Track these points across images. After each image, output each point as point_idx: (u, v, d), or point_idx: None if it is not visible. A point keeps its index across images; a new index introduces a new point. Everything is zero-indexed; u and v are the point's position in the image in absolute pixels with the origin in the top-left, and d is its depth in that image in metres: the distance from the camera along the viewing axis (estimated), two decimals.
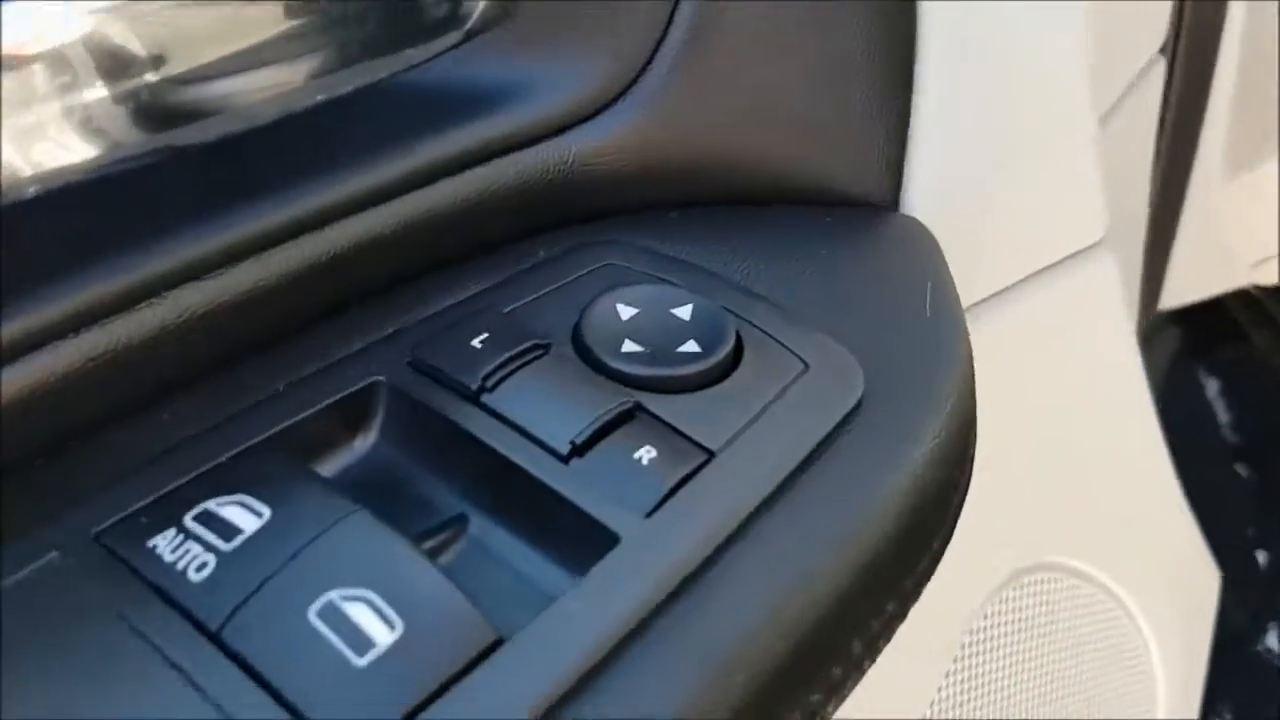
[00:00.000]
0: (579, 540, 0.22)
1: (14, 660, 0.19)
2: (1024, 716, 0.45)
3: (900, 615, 0.24)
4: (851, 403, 0.25)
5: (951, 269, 0.32)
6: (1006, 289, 0.36)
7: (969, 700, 0.44)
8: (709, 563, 0.21)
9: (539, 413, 0.24)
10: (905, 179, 0.32)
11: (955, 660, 0.43)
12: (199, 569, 0.20)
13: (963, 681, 0.44)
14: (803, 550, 0.22)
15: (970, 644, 0.43)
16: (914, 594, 0.24)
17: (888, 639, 0.24)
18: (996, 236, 0.35)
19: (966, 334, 0.29)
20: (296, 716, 0.18)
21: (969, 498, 0.37)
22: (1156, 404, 0.47)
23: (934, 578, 0.39)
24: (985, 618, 0.42)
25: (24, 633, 0.19)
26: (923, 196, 0.32)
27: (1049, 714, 0.46)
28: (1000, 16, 0.32)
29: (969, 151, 0.33)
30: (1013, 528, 0.40)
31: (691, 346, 0.25)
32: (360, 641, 0.19)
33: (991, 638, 0.43)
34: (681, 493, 0.22)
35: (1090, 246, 0.37)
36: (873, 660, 0.23)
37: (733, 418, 0.24)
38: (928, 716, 0.42)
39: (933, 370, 0.27)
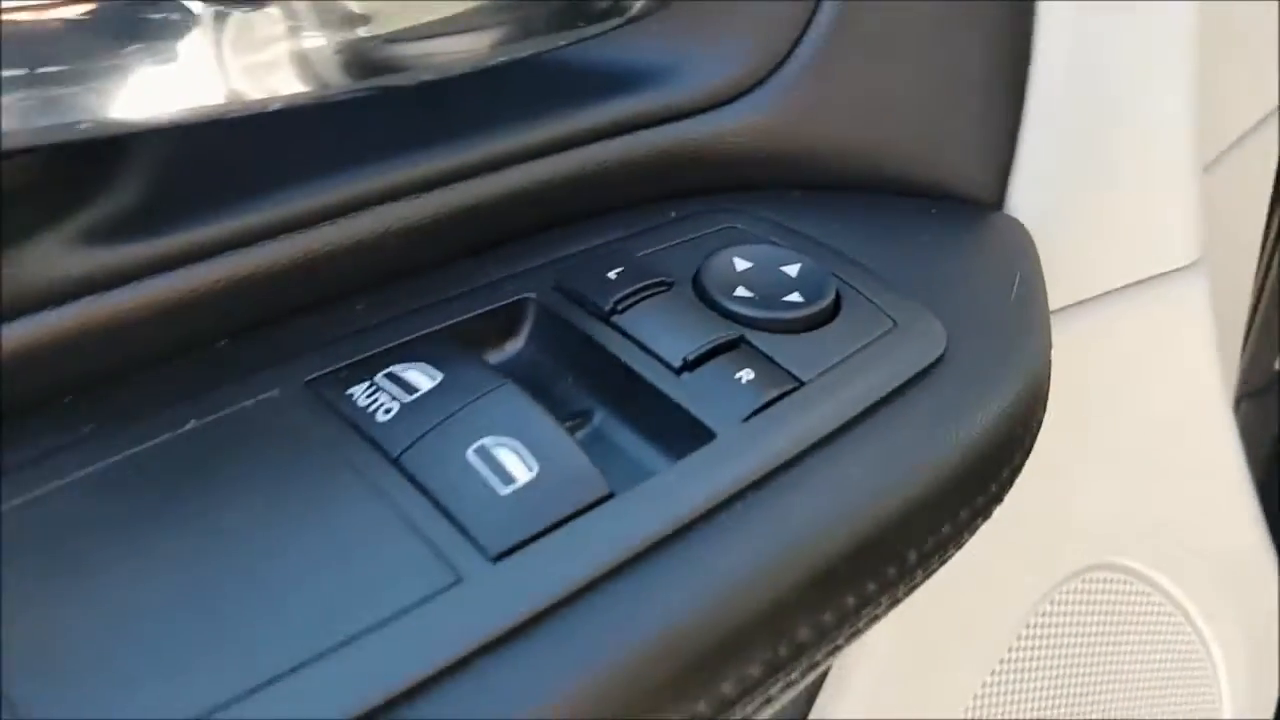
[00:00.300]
0: (683, 436, 0.26)
1: (240, 460, 0.24)
2: (1072, 714, 0.48)
3: (944, 545, 0.28)
4: (932, 358, 0.29)
5: (1045, 270, 0.35)
6: (1095, 297, 0.39)
7: (1015, 695, 0.47)
8: (788, 465, 0.26)
9: (658, 334, 0.28)
10: (1010, 182, 0.36)
11: (1010, 650, 0.45)
12: (385, 413, 0.25)
13: (1013, 675, 0.46)
14: (871, 469, 0.26)
15: (1025, 637, 0.46)
16: (958, 532, 0.28)
17: (939, 559, 0.28)
18: (1090, 246, 0.38)
19: (1048, 320, 0.32)
20: (454, 523, 0.23)
21: (1037, 493, 0.40)
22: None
23: (996, 568, 0.42)
24: (1041, 614, 0.45)
25: (250, 441, 0.25)
26: (1025, 200, 0.36)
27: (1098, 713, 0.48)
28: (1112, 41, 0.35)
29: (1072, 162, 0.36)
30: (1077, 526, 0.43)
31: (795, 297, 0.30)
32: (505, 476, 0.24)
33: (1046, 634, 0.46)
34: (772, 409, 0.27)
35: (1182, 269, 0.40)
36: (925, 573, 0.27)
37: (823, 358, 0.28)
38: (969, 708, 0.45)
39: (1010, 345, 0.31)
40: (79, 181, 0.26)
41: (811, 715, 0.41)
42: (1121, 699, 0.49)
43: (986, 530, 0.42)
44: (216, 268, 0.26)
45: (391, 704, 0.20)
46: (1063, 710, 0.48)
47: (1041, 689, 0.48)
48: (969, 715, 0.45)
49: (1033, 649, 0.46)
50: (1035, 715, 0.47)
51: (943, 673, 0.44)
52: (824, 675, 0.41)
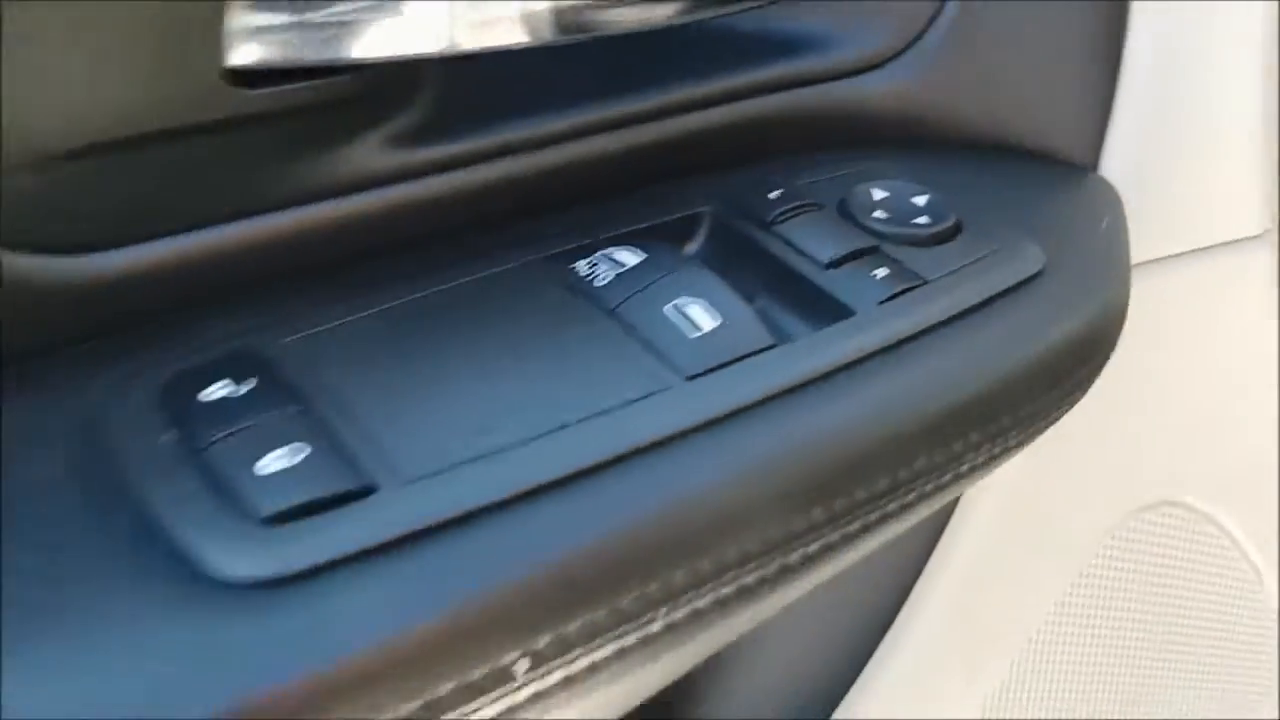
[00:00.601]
0: (828, 315, 0.33)
1: (495, 308, 0.32)
2: (1140, 634, 0.54)
3: (1033, 419, 0.35)
4: (1032, 273, 0.35)
5: (1130, 227, 0.42)
6: (1171, 256, 0.45)
7: (1092, 609, 0.53)
8: (911, 339, 0.33)
9: (809, 240, 0.35)
10: (1104, 148, 0.42)
11: (1085, 572, 0.51)
12: (602, 280, 0.33)
13: (1089, 592, 0.52)
14: (976, 348, 0.33)
15: (1099, 560, 0.51)
16: (1044, 411, 0.35)
17: (1029, 432, 0.34)
18: (1170, 209, 0.44)
19: (1129, 258, 0.39)
20: (657, 354, 0.30)
21: (1109, 430, 0.46)
22: None
23: (1074, 493, 0.48)
24: (1114, 539, 0.51)
25: (503, 295, 0.32)
26: (1115, 163, 0.42)
27: (1162, 632, 0.54)
28: (1196, 22, 0.42)
29: (1158, 135, 0.42)
30: (1144, 464, 0.49)
31: (922, 220, 0.37)
32: (693, 325, 0.31)
33: (1118, 560, 0.52)
34: (901, 298, 0.34)
35: (1249, 238, 0.46)
36: (1018, 440, 0.34)
37: (944, 265, 0.35)
38: (1050, 615, 0.51)
39: (1095, 271, 0.37)
40: (389, 99, 0.35)
41: (905, 605, 0.47)
42: (1183, 623, 0.54)
43: (1066, 458, 0.48)
44: (487, 170, 0.34)
45: (621, 459, 0.28)
46: (1132, 629, 0.54)
47: (1112, 612, 0.53)
48: (1050, 624, 0.51)
49: (1106, 572, 0.52)
50: (1109, 631, 0.53)
51: (1026, 583, 0.50)
52: (917, 572, 0.48)
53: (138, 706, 0.23)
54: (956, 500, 0.47)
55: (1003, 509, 0.46)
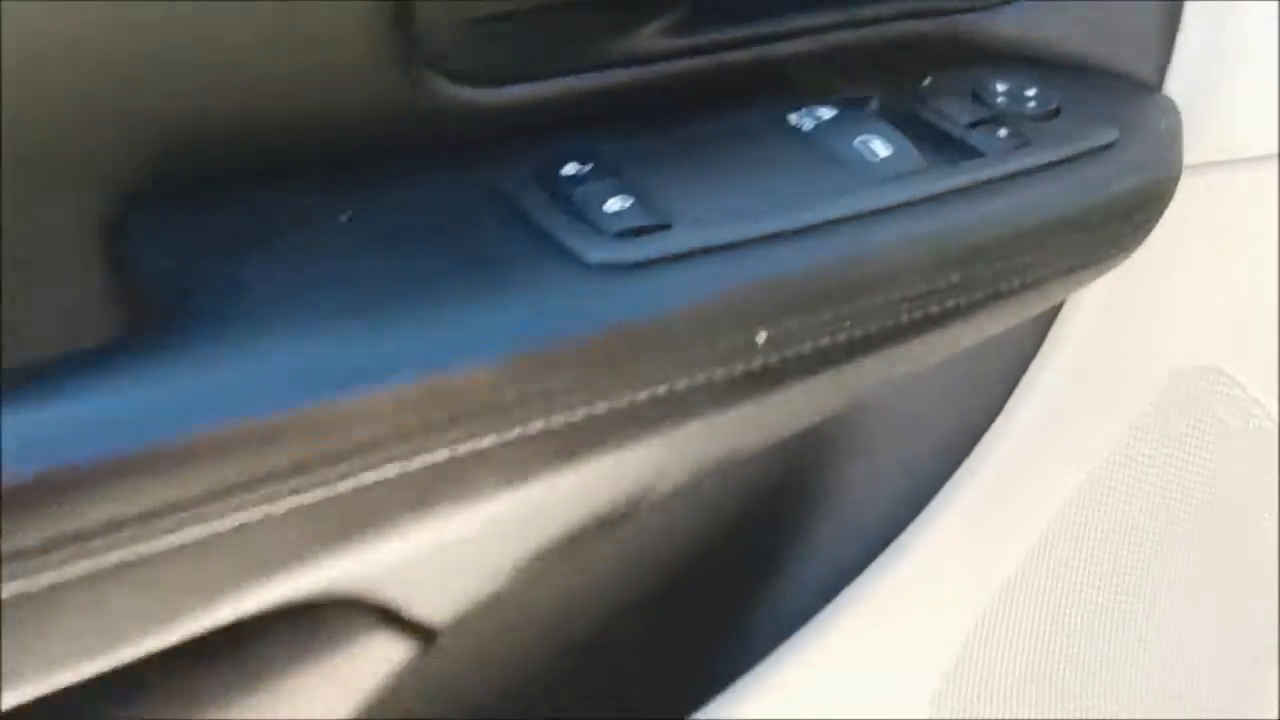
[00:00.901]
0: (967, 156, 0.48)
1: (734, 140, 0.47)
2: (1165, 514, 0.67)
3: (1101, 252, 0.49)
4: (1108, 141, 0.50)
5: (1185, 137, 0.56)
6: (1216, 162, 0.59)
7: (1118, 490, 0.66)
8: (1023, 174, 0.47)
9: (954, 110, 0.50)
10: (1168, 71, 0.56)
11: (1132, 428, 0.65)
12: (808, 126, 0.48)
13: (1135, 453, 0.66)
14: (1064, 185, 0.48)
15: (1142, 423, 0.65)
16: (1107, 246, 0.49)
17: (1099, 257, 0.49)
18: (1223, 123, 0.58)
19: (1181, 150, 0.53)
20: (850, 172, 0.45)
21: (1153, 297, 0.60)
22: None
23: (1101, 369, 0.62)
24: (1160, 397, 0.64)
25: (737, 134, 0.48)
26: (1177, 83, 0.56)
27: (1188, 511, 0.67)
28: None
29: (1214, 60, 0.56)
30: (1183, 329, 0.63)
31: (1032, 104, 0.51)
32: (873, 153, 0.46)
33: (1159, 423, 0.65)
34: (1018, 150, 0.48)
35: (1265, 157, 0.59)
36: (1087, 259, 0.49)
37: (1047, 133, 0.50)
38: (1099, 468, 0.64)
39: (1154, 151, 0.52)
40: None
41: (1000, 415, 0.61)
42: (1214, 485, 0.68)
43: (1119, 316, 0.61)
44: (731, 55, 0.50)
45: (829, 223, 0.43)
46: (1174, 489, 0.67)
47: (1155, 474, 0.67)
48: (1105, 477, 0.65)
49: (1150, 435, 0.66)
50: (1154, 490, 0.66)
51: (1048, 458, 0.63)
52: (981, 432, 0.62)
53: (541, 325, 0.39)
54: (1040, 344, 0.60)
55: (1081, 345, 0.60)
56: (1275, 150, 0.60)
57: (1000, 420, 0.61)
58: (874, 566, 0.62)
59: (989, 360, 0.60)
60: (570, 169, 0.44)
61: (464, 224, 0.43)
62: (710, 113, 0.49)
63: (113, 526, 0.33)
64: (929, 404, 0.61)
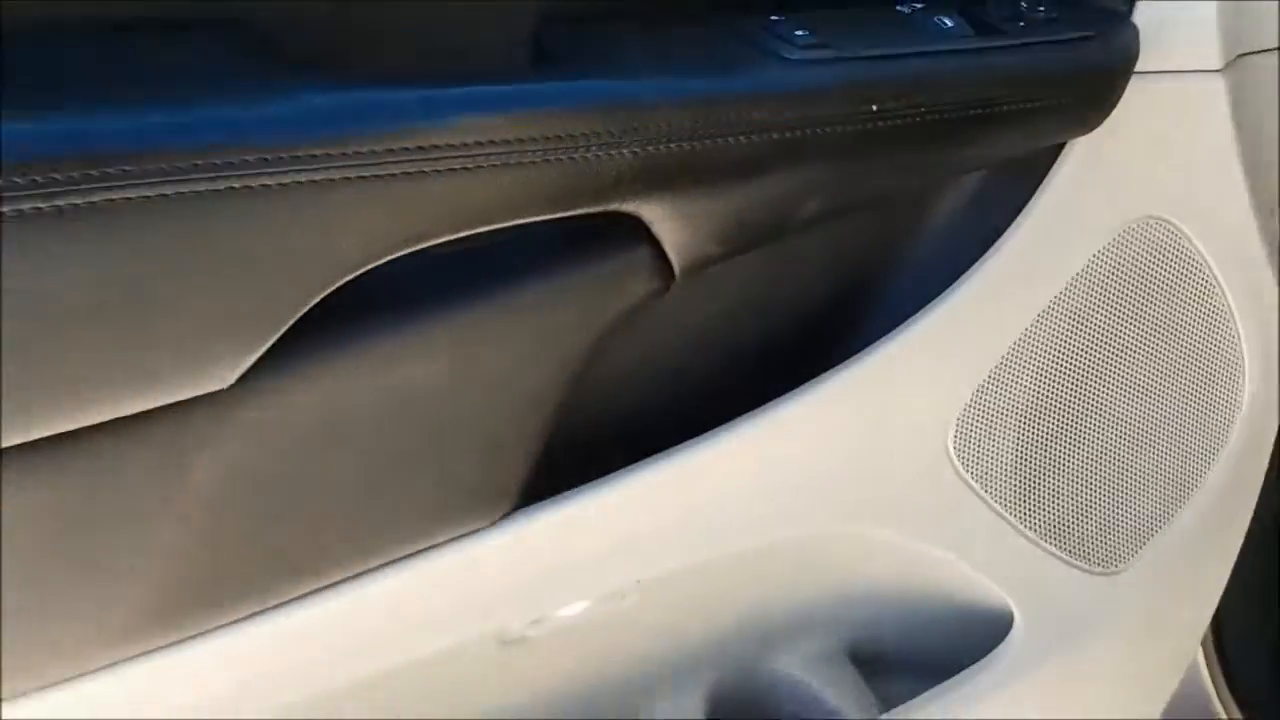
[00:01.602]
0: (994, 34, 0.82)
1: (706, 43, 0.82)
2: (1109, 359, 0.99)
3: (1087, 104, 0.83)
4: (1088, 35, 0.83)
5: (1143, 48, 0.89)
6: (1164, 71, 0.91)
7: (1086, 302, 0.98)
8: (1029, 45, 0.81)
9: (992, 10, 0.84)
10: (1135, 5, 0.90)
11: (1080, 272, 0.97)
12: (909, 9, 0.82)
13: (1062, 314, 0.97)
14: (1057, 56, 0.81)
15: (1095, 261, 0.97)
16: (1087, 99, 0.83)
17: (1080, 110, 0.82)
18: (1175, 40, 0.90)
19: (1138, 47, 0.86)
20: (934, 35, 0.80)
21: (1111, 154, 0.93)
22: None
23: (1074, 213, 0.95)
24: (1113, 240, 0.96)
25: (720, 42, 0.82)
26: (1141, 14, 0.89)
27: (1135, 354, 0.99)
28: None
29: None
30: (1137, 180, 0.95)
31: (1042, 9, 0.85)
32: (944, 24, 0.80)
33: (1112, 263, 0.97)
34: (1028, 29, 0.82)
35: (1205, 71, 0.92)
36: (1068, 107, 0.82)
37: (1052, 26, 0.83)
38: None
39: (1121, 44, 0.85)
40: None
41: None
42: (1157, 330, 1.00)
43: (1080, 163, 0.94)
44: None
45: (892, 56, 0.78)
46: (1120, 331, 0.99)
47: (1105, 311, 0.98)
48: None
49: (1101, 276, 0.97)
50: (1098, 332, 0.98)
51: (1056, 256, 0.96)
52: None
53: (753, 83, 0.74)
54: (1033, 193, 0.92)
55: (1060, 194, 0.90)
56: (1217, 65, 0.93)
57: (1000, 241, 0.94)
58: (902, 327, 0.90)
59: (996, 203, 0.92)
60: (777, 16, 0.79)
61: (717, 45, 0.78)
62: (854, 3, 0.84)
63: None
64: (959, 225, 0.94)
